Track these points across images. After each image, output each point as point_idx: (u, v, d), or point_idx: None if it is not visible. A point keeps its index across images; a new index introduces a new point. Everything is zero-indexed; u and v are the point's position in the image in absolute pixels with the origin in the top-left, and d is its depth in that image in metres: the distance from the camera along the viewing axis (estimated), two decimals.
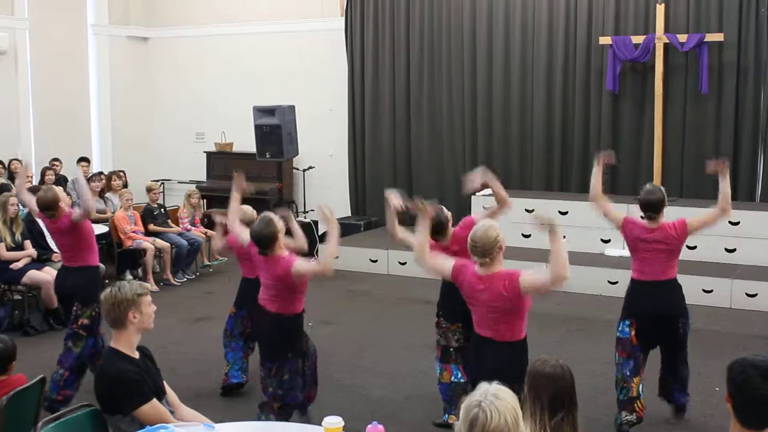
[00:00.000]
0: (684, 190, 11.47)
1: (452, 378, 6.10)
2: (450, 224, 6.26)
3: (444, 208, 6.37)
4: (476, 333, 4.94)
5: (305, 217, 12.99)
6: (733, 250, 10.14)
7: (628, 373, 5.89)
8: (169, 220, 11.49)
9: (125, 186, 11.81)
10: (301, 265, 5.52)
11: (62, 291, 6.94)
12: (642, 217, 6.24)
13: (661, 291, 5.94)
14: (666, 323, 5.91)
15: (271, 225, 5.60)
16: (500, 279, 4.72)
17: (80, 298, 6.61)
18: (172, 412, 4.26)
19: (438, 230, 5.98)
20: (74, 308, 6.60)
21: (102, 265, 7.73)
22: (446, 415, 6.10)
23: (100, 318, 6.22)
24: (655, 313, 5.90)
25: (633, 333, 5.93)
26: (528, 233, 11.31)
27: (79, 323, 6.57)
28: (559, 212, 11.11)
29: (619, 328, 6.02)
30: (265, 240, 5.57)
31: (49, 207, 6.66)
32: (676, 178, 11.56)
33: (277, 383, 5.57)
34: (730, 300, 9.42)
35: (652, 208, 6.02)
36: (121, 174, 12.07)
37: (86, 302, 6.58)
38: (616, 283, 10.10)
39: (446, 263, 5.13)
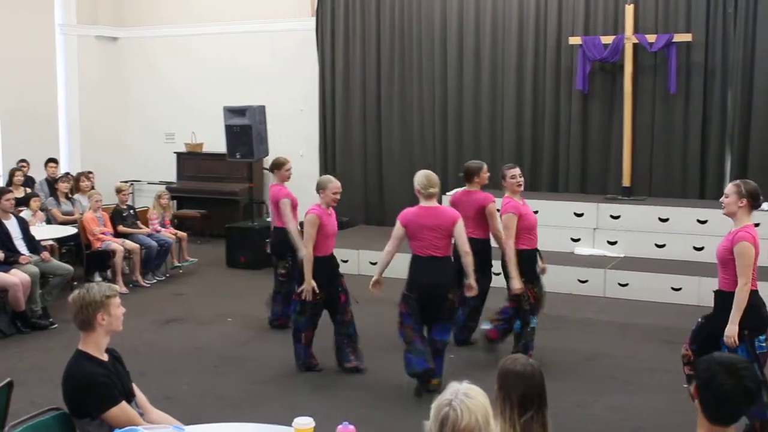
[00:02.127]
0: (653, 189, 11.57)
1: None
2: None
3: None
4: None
5: None
6: (701, 249, 10.23)
7: None
8: (138, 222, 11.40)
9: (93, 187, 11.71)
10: None
11: None
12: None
13: None
14: None
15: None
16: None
17: None
18: (141, 415, 4.23)
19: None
20: None
21: None
22: None
23: None
24: None
25: None
26: None
27: None
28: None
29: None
30: None
31: None
32: (645, 177, 11.65)
33: None
34: (699, 297, 9.50)
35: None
36: (90, 175, 11.97)
37: None
38: (586, 281, 10.18)
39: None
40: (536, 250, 7.41)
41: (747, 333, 5.54)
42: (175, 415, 4.47)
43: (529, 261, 7.31)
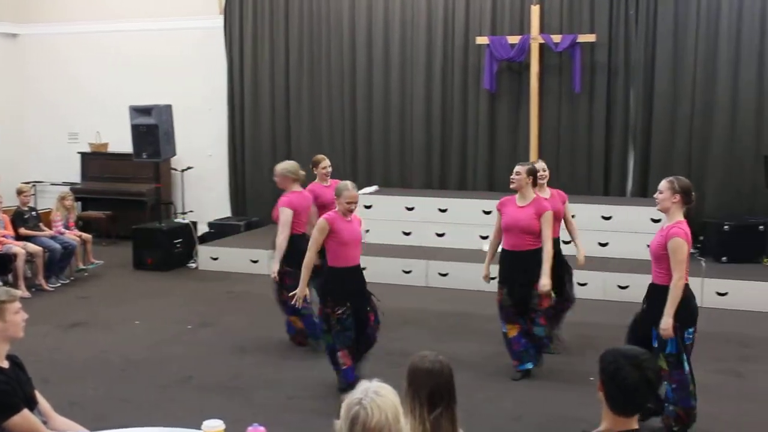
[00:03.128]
0: (559, 186, 11.68)
1: None
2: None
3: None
4: None
5: (183, 218, 12.77)
6: (606, 244, 10.46)
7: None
8: (41, 224, 11.13)
9: None
10: None
11: None
12: None
13: None
14: None
15: None
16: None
17: None
18: (44, 422, 4.12)
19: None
20: None
21: None
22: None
23: None
24: None
25: None
26: (408, 231, 11.44)
27: None
28: (439, 209, 11.26)
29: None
30: None
31: None
32: (551, 174, 11.76)
33: None
34: (604, 292, 9.71)
35: None
36: None
37: None
38: (494, 278, 10.28)
39: None
40: (510, 251, 7.17)
41: (677, 325, 5.69)
42: (80, 421, 4.38)
43: (502, 261, 7.27)
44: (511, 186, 7.22)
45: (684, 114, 11.29)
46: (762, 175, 10.64)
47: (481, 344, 8.07)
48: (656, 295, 5.82)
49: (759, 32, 10.91)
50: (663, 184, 5.87)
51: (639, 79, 11.39)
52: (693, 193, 5.89)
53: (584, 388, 6.71)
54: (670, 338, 5.68)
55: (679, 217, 5.79)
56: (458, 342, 8.06)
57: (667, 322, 5.63)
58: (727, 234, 10.59)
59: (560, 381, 7.07)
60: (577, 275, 9.72)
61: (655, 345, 5.81)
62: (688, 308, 5.74)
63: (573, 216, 8.04)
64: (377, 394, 2.78)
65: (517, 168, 7.21)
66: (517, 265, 7.07)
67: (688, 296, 5.76)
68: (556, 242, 7.40)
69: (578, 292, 9.49)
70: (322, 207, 8.02)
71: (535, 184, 7.22)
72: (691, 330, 5.74)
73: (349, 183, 6.67)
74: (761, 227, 10.53)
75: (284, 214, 7.73)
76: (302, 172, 7.98)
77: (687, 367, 5.78)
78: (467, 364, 7.27)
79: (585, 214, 10.69)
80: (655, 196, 5.99)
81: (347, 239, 6.55)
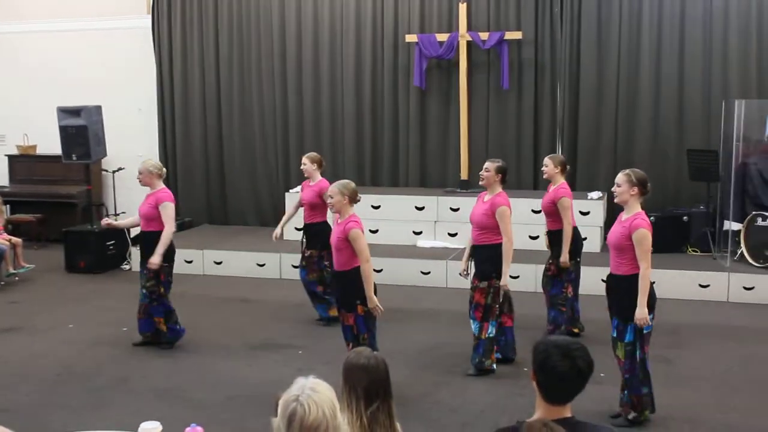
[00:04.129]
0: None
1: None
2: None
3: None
4: None
5: (116, 219, 12.57)
6: (537, 237, 10.59)
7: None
8: None
9: None
10: None
11: None
12: None
13: None
14: None
15: None
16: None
17: None
18: None
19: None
20: None
21: None
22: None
23: None
24: None
25: None
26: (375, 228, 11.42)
27: None
28: (372, 206, 11.28)
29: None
30: None
31: None
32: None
33: None
34: (536, 285, 9.83)
35: None
36: None
37: None
38: (429, 273, 10.38)
39: None
40: (474, 246, 7.31)
41: (651, 316, 5.87)
42: (15, 428, 4.30)
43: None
44: (480, 183, 7.38)
45: (609, 109, 11.51)
46: (685, 167, 10.92)
47: (416, 339, 8.14)
48: (617, 284, 5.98)
49: (678, 29, 11.18)
50: (620, 177, 6.04)
51: (565, 74, 11.57)
52: (648, 184, 6.04)
53: (514, 381, 6.83)
54: (627, 325, 5.84)
55: (637, 208, 5.96)
56: (391, 337, 8.10)
57: (642, 312, 5.79)
58: (653, 225, 10.73)
59: (490, 376, 7.13)
60: (512, 268, 9.89)
61: (614, 335, 5.97)
62: (650, 296, 5.90)
63: None
64: (313, 390, 2.79)
65: (486, 164, 7.32)
66: (475, 259, 7.28)
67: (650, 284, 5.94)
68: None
69: (512, 284, 9.62)
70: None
71: (504, 181, 7.30)
72: (651, 317, 5.88)
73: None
74: (685, 218, 10.81)
75: (170, 209, 7.88)
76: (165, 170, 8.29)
77: (639, 355, 5.93)
78: (403, 359, 7.33)
79: (515, 208, 10.76)
80: (613, 189, 6.13)
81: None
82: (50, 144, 12.79)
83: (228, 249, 11.33)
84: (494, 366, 7.05)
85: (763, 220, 9.92)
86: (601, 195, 11.08)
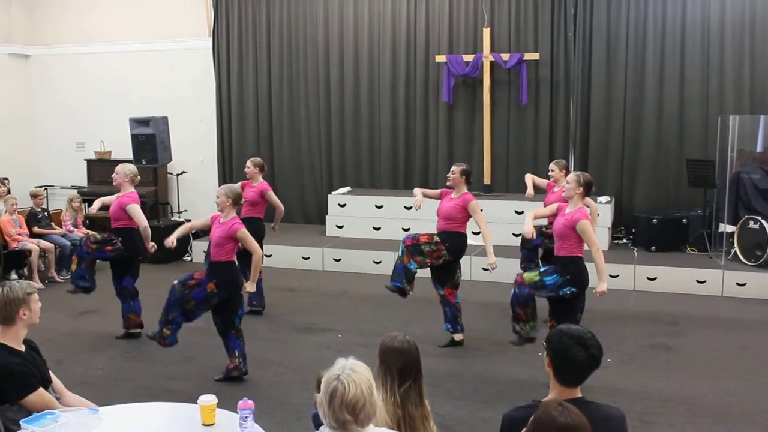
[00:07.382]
0: (509, 186, 11.86)
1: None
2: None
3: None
4: None
5: (179, 217, 12.70)
6: (519, 235, 10.46)
7: None
8: (52, 223, 11.03)
9: (9, 192, 11.23)
10: None
11: None
12: None
13: None
14: None
15: None
16: None
17: None
18: (58, 399, 4.09)
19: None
20: None
21: None
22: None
23: None
24: None
25: None
26: (378, 226, 11.44)
27: None
28: (405, 207, 11.27)
29: None
30: None
31: None
32: (502, 176, 11.94)
33: None
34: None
35: None
36: (5, 181, 11.47)
37: None
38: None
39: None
40: (440, 232, 7.58)
41: (569, 278, 6.05)
42: (90, 398, 4.33)
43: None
44: (447, 183, 7.55)
45: (617, 122, 11.41)
46: (685, 175, 10.80)
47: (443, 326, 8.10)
48: (562, 265, 6.13)
49: (680, 52, 11.07)
50: (571, 177, 6.26)
51: (577, 92, 11.48)
52: (593, 187, 6.29)
53: (530, 363, 6.77)
54: (557, 282, 6.06)
55: (580, 204, 6.18)
56: (422, 324, 8.08)
57: (603, 286, 6.06)
58: (655, 226, 10.72)
59: (508, 360, 7.10)
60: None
61: (542, 270, 6.32)
62: (584, 277, 6.13)
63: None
64: (353, 370, 2.79)
65: (453, 168, 7.52)
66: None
67: (584, 267, 6.12)
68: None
69: (495, 275, 9.43)
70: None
71: (468, 182, 7.45)
72: (583, 297, 6.12)
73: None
74: (684, 220, 10.69)
75: (137, 209, 7.94)
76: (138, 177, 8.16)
77: (514, 293, 6.28)
78: (431, 344, 7.31)
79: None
80: (562, 184, 6.42)
81: None
82: (123, 150, 12.91)
83: (276, 244, 11.36)
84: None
85: (754, 224, 9.78)
86: (609, 199, 10.98)
